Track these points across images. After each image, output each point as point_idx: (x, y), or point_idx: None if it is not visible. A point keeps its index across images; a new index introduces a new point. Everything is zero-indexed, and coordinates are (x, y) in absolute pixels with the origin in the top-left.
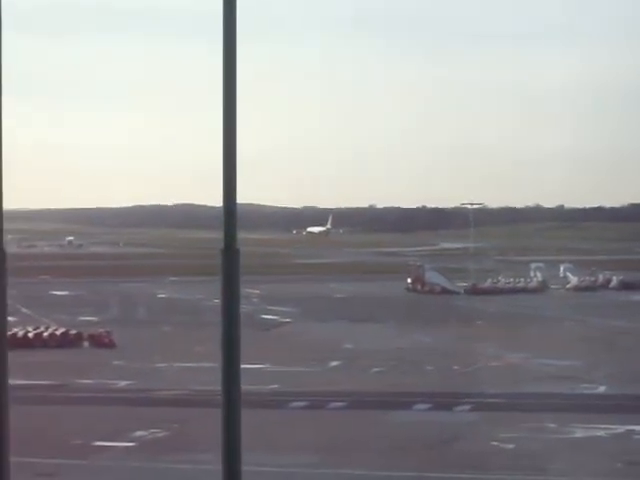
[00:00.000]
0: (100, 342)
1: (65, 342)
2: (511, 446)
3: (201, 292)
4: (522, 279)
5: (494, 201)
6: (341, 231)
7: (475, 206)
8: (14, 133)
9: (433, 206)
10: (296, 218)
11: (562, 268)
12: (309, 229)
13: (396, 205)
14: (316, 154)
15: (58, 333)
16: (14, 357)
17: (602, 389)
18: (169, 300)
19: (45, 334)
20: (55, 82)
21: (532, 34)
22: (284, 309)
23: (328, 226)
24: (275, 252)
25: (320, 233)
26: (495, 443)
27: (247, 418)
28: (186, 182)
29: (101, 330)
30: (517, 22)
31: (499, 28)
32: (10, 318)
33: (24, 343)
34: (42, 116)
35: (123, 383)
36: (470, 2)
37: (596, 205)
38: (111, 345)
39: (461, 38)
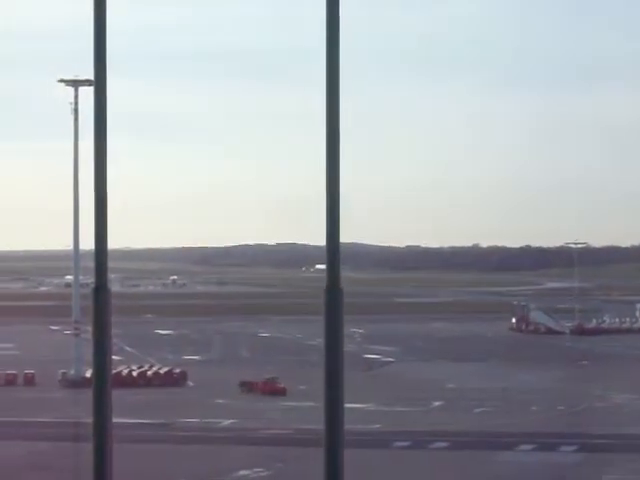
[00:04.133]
0: (271, 389)
1: (169, 381)
2: None
3: (303, 331)
4: (627, 319)
5: (598, 239)
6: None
7: (579, 245)
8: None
9: (537, 245)
10: (387, 257)
11: None
12: (317, 266)
13: (500, 244)
14: (421, 193)
15: (162, 372)
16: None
17: None
18: (271, 339)
19: (149, 373)
20: (160, 122)
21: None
22: (387, 348)
23: None
24: (376, 291)
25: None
26: None
27: (350, 458)
28: (289, 222)
29: (267, 376)
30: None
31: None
32: (114, 357)
33: (128, 382)
34: (148, 156)
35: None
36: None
37: None
38: (282, 392)
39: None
